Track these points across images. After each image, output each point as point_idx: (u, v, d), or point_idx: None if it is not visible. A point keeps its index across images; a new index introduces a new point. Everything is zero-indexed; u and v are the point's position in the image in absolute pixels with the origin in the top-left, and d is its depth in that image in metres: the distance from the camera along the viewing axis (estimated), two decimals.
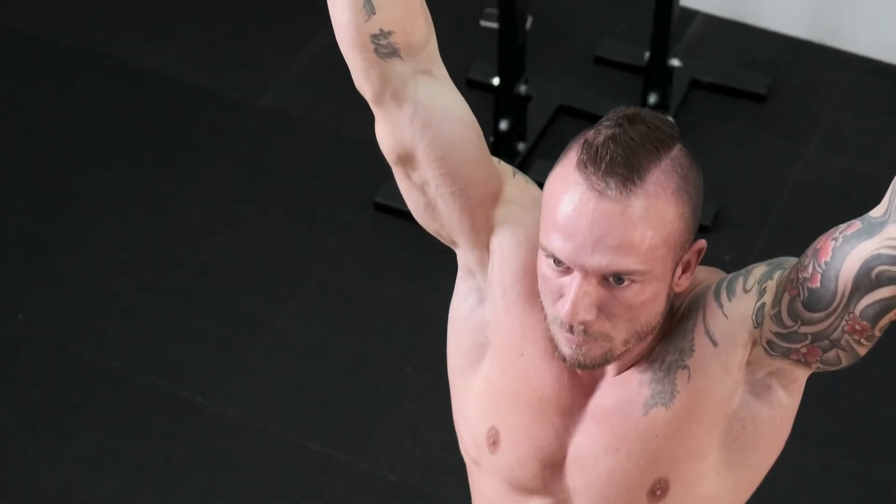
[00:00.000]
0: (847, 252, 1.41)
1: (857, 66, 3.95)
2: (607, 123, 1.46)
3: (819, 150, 3.73)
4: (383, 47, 1.56)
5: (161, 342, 3.24)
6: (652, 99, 3.62)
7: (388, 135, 1.63)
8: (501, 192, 1.63)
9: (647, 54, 3.58)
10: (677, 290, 1.51)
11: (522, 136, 3.62)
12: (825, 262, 1.43)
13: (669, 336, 1.56)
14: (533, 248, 1.58)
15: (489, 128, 3.60)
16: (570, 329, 1.47)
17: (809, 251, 1.46)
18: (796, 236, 3.50)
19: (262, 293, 3.34)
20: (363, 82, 1.59)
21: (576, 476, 1.62)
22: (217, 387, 3.14)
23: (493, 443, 1.66)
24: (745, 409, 1.57)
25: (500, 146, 3.58)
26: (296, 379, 3.16)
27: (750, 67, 3.93)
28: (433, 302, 3.32)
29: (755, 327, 1.52)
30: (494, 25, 4.01)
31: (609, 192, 1.41)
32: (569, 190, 1.44)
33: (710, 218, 3.49)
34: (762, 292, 1.51)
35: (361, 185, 3.59)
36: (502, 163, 1.68)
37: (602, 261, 1.42)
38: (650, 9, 3.57)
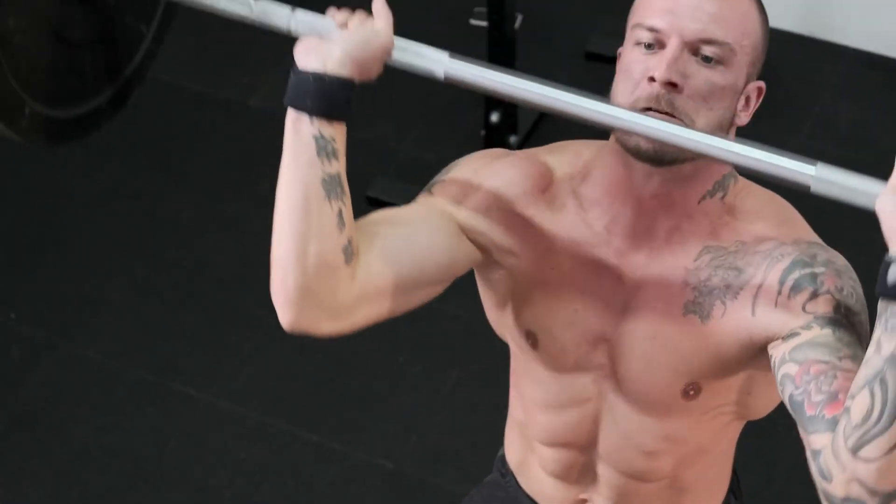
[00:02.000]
0: (820, 429, 1.43)
1: (849, 58, 3.95)
2: None
3: (812, 140, 3.72)
4: (349, 255, 1.53)
5: (154, 338, 3.22)
6: None
7: (364, 319, 1.58)
8: (456, 217, 1.66)
9: None
10: (739, 123, 1.60)
11: (514, 130, 3.61)
12: (815, 416, 1.45)
13: (723, 256, 1.60)
14: (491, 194, 1.65)
15: (480, 122, 3.60)
16: (657, 99, 1.51)
17: (826, 388, 1.46)
18: None
19: (254, 289, 3.32)
20: (332, 304, 1.53)
21: (616, 358, 1.68)
22: (210, 380, 3.12)
23: (533, 344, 1.72)
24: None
25: (491, 139, 3.58)
26: (289, 372, 3.14)
27: None
28: None
29: (781, 337, 1.55)
30: (485, 24, 4.02)
31: None
32: None
33: None
34: (808, 327, 1.52)
35: (353, 179, 3.52)
36: (433, 192, 1.70)
37: (699, 24, 1.52)
38: None
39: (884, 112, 3.79)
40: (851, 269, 1.61)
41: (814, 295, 1.54)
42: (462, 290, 3.33)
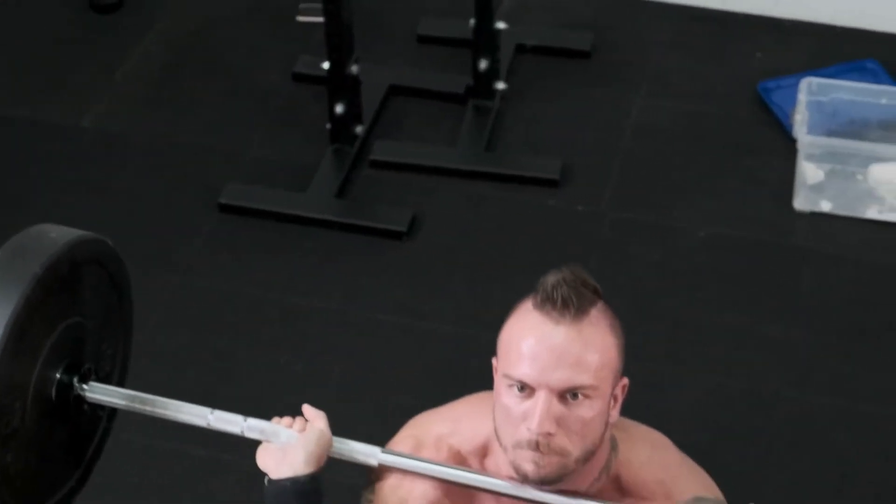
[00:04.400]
0: None
1: (676, 14, 4.02)
2: (552, 276, 1.77)
3: (650, 97, 3.78)
4: None
5: None
6: (482, 65, 3.62)
7: None
8: None
9: (472, 21, 3.57)
10: (611, 420, 1.81)
11: (359, 119, 3.58)
12: None
13: None
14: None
15: (324, 114, 3.55)
16: (536, 445, 1.74)
17: None
18: (642, 179, 3.54)
19: None
20: None
21: None
22: None
23: None
24: None
25: (338, 131, 3.54)
26: (169, 387, 2.99)
27: (571, 27, 3.97)
28: (294, 293, 3.26)
29: None
30: (312, 19, 3.98)
31: (564, 321, 1.74)
32: (530, 326, 1.76)
33: (558, 172, 3.50)
34: None
35: (203, 188, 3.51)
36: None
37: (563, 376, 1.73)
38: None
39: (716, 62, 3.87)
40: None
41: None
42: (329, 285, 3.31)
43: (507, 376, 1.76)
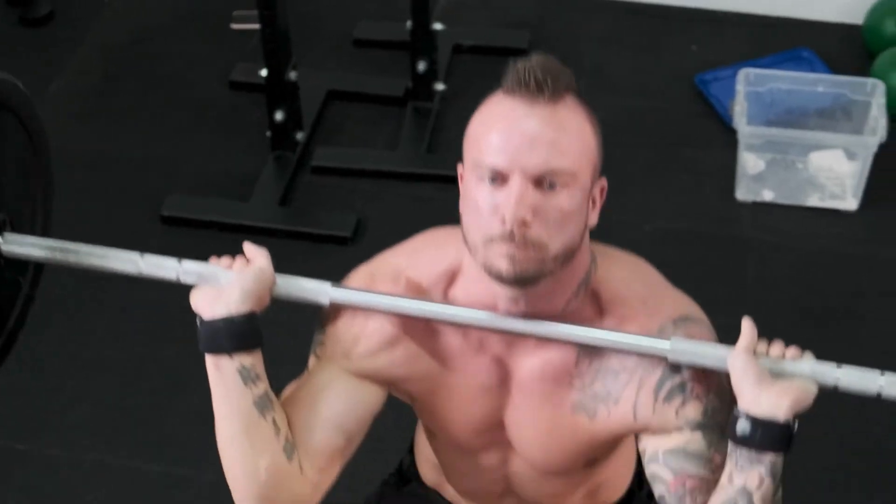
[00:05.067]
0: None
1: (610, 9, 4.04)
2: (522, 61, 1.59)
3: (589, 93, 3.71)
4: (290, 451, 1.71)
5: None
6: (421, 67, 3.61)
7: (322, 492, 1.77)
8: (350, 369, 1.77)
9: (409, 23, 3.57)
10: (591, 225, 1.66)
11: (299, 125, 3.56)
12: None
13: (599, 359, 1.70)
14: (373, 340, 1.76)
15: (263, 122, 3.53)
16: (510, 236, 1.56)
17: (700, 501, 1.67)
18: None
19: (64, 325, 3.19)
20: (292, 499, 1.71)
21: (517, 443, 1.81)
22: (35, 430, 2.97)
23: (434, 437, 1.90)
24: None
25: (279, 138, 3.52)
26: (119, 403, 3.02)
27: (508, 26, 3.97)
28: None
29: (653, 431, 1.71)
30: (247, 26, 3.96)
31: (539, 103, 1.57)
32: (501, 112, 1.58)
33: None
34: (681, 430, 1.69)
35: (144, 201, 3.47)
36: (320, 356, 1.80)
37: (539, 159, 1.55)
38: None
39: (652, 56, 3.89)
40: (709, 328, 1.77)
41: (683, 402, 1.69)
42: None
43: (477, 166, 1.58)
